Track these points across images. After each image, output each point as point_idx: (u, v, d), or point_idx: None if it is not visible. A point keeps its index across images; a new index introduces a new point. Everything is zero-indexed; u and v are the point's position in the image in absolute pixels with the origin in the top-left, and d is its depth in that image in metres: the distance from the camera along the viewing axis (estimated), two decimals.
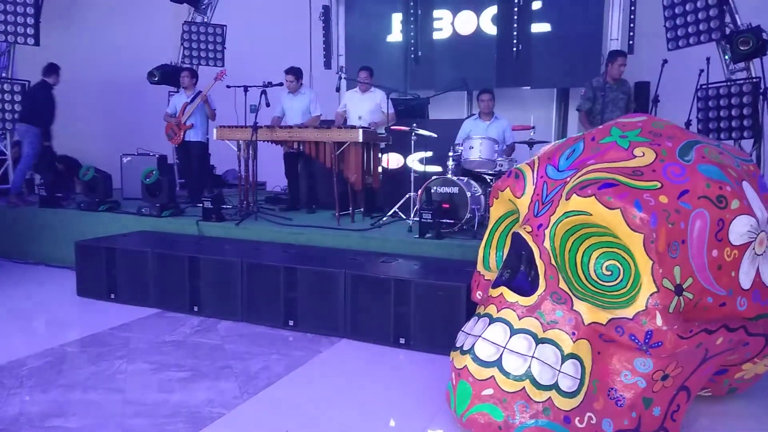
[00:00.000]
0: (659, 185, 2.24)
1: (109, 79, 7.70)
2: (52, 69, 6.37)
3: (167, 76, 7.79)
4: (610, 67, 5.41)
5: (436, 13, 8.09)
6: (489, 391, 2.25)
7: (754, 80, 5.99)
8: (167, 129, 6.36)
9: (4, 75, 7.32)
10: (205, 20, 8.31)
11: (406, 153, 5.98)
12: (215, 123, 5.90)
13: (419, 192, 4.87)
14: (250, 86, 5.49)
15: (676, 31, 6.34)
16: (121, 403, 2.68)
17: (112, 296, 4.36)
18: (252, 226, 4.93)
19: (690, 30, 6.23)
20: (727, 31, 6.05)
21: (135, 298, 4.26)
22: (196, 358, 3.26)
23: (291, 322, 3.78)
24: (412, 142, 5.25)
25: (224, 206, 5.25)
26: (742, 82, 6.08)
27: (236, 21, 8.39)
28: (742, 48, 5.82)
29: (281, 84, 5.73)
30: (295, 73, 5.97)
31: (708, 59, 5.96)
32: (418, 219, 4.46)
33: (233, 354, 3.34)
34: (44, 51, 7.45)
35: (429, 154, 5.71)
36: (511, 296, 2.36)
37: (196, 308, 4.06)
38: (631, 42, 7.12)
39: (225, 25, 8.21)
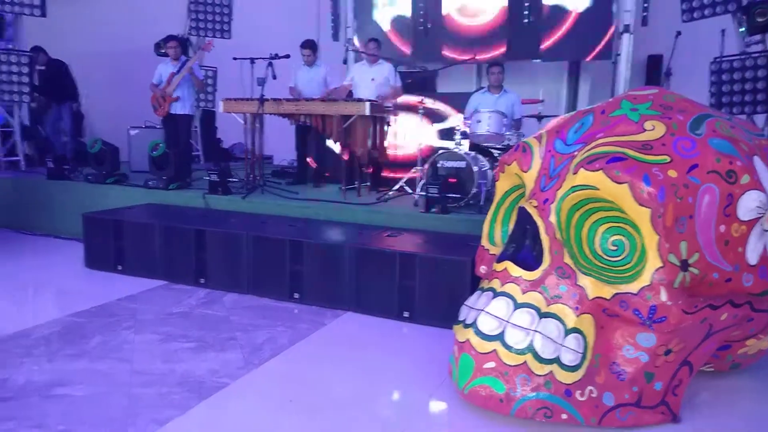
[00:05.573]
0: (668, 159, 2.21)
1: (115, 51, 7.64)
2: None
3: None
4: None
5: None
6: (491, 365, 2.26)
7: None
8: (152, 100, 6.18)
9: (11, 46, 7.28)
10: None
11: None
12: (222, 95, 5.85)
13: (425, 166, 4.83)
14: (257, 58, 5.44)
15: (691, 2, 6.19)
16: (128, 373, 2.71)
17: (120, 268, 4.39)
18: (258, 200, 4.93)
19: (705, 1, 6.08)
20: (744, 2, 5.89)
21: (142, 270, 4.28)
22: (202, 330, 3.29)
23: (296, 295, 3.79)
24: (420, 115, 5.19)
25: (231, 179, 5.25)
26: (757, 55, 5.94)
27: None
28: (758, 20, 5.66)
29: (288, 56, 5.64)
30: (311, 46, 5.91)
31: (723, 31, 5.83)
32: (424, 193, 4.44)
33: (239, 326, 3.37)
34: (50, 22, 7.40)
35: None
36: (515, 270, 2.35)
37: (202, 280, 4.09)
38: (645, 14, 6.95)
39: None
